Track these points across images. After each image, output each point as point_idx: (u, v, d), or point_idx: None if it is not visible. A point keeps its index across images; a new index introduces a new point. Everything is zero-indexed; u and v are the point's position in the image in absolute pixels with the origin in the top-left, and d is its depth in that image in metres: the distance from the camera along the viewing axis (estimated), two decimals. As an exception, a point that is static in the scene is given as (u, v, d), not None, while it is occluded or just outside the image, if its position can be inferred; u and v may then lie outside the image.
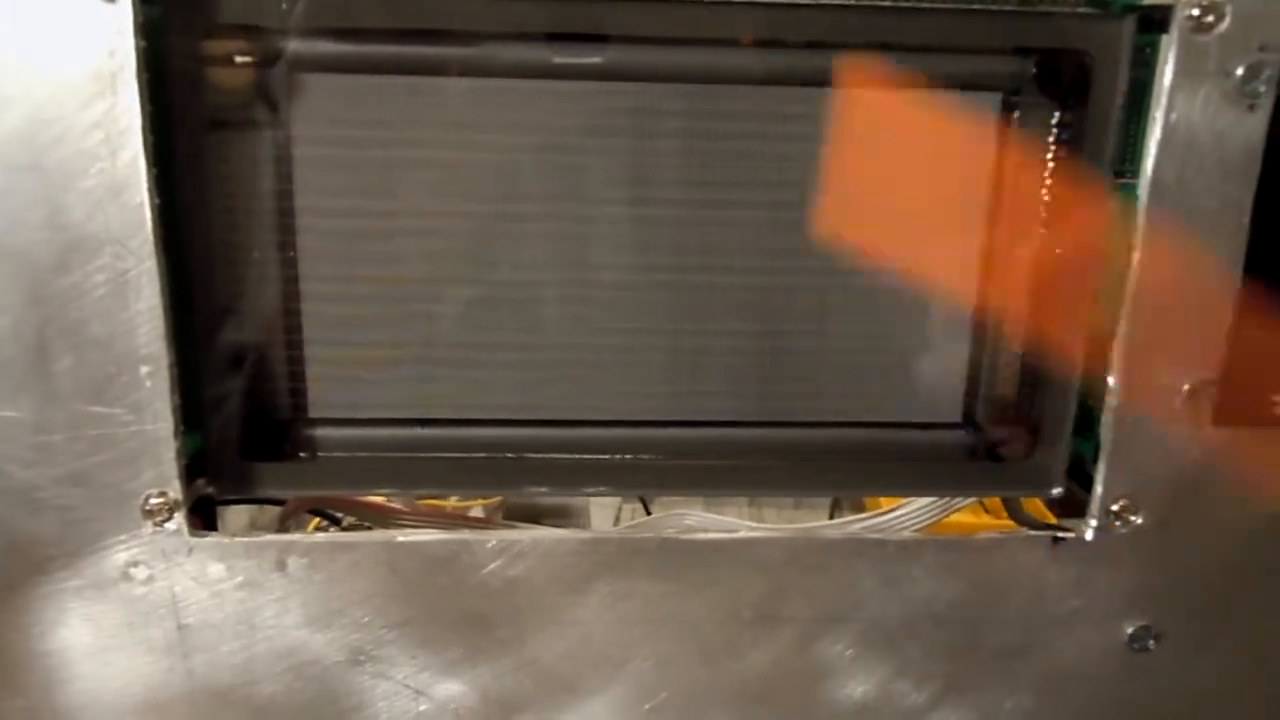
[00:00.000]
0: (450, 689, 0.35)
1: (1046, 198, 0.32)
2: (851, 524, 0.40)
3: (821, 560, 0.34)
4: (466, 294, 0.34)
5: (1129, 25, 0.30)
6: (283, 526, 0.39)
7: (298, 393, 0.34)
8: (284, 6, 0.30)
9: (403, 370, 0.34)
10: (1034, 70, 0.31)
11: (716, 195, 0.33)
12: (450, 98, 0.32)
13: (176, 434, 0.31)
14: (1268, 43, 0.29)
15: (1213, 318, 0.32)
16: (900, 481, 0.36)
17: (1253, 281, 0.32)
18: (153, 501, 0.32)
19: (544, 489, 0.35)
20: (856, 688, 0.36)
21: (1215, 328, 0.32)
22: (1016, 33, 0.31)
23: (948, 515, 0.39)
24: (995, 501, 0.42)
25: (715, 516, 0.42)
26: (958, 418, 0.35)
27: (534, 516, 0.59)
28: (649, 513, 0.58)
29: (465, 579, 0.34)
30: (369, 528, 0.39)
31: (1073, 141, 0.32)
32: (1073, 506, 0.35)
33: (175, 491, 0.32)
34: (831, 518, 0.59)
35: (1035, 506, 0.38)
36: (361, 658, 0.34)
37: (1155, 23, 0.30)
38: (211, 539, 0.33)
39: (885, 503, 0.40)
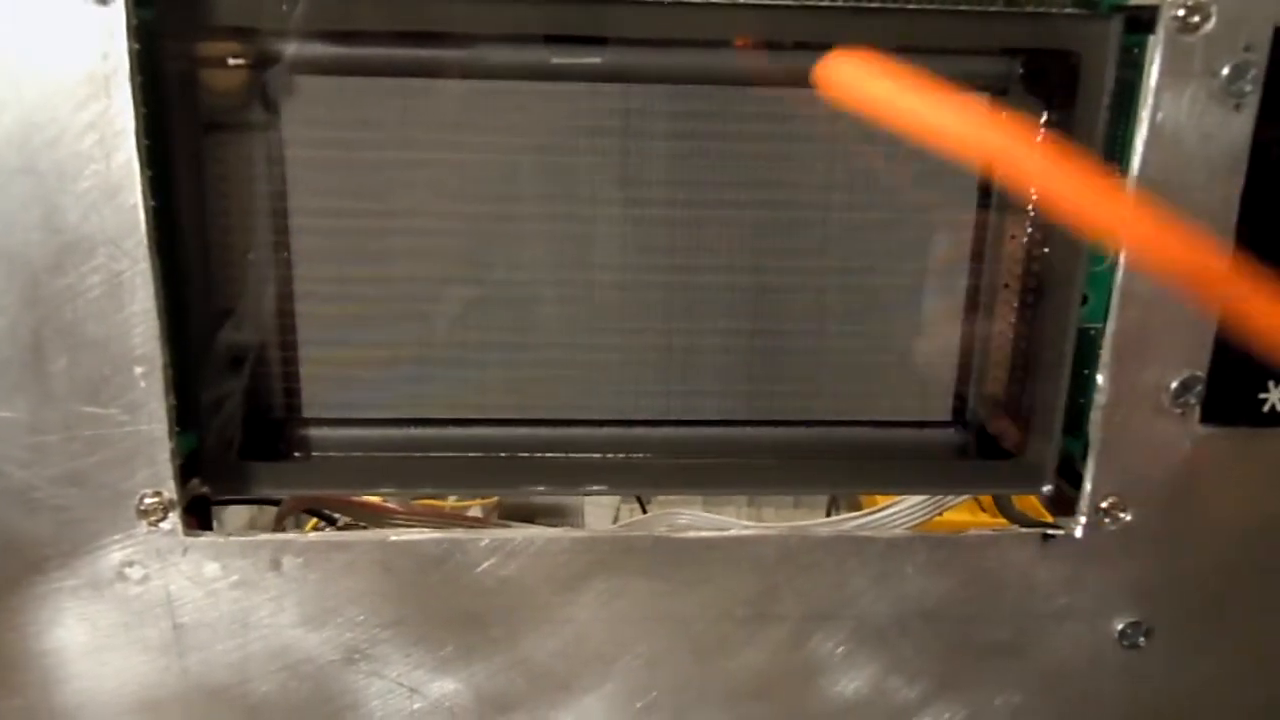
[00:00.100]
0: (444, 687, 0.35)
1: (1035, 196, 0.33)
2: (843, 522, 0.40)
3: (814, 558, 0.35)
4: (461, 294, 0.34)
5: (1116, 26, 0.31)
6: (279, 526, 0.39)
7: (292, 393, 0.34)
8: (278, 9, 0.30)
9: (397, 370, 0.34)
10: (1022, 70, 0.32)
11: (711, 195, 0.33)
12: (444, 99, 0.32)
13: (171, 434, 0.31)
14: (1253, 43, 0.30)
15: (1201, 316, 0.32)
16: (892, 479, 0.37)
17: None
18: (147, 501, 0.32)
19: (539, 488, 0.35)
20: (849, 685, 0.36)
21: (1203, 326, 0.32)
22: (1004, 33, 0.31)
23: (940, 513, 0.39)
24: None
25: (709, 515, 0.42)
26: (948, 416, 0.36)
27: (529, 516, 0.59)
28: (645, 512, 0.58)
29: (459, 578, 0.34)
30: (366, 527, 0.40)
31: (1060, 141, 0.32)
32: (1063, 504, 0.35)
33: (170, 491, 0.32)
34: (828, 516, 0.59)
35: (1030, 504, 0.38)
36: (356, 656, 0.35)
37: (1142, 23, 0.30)
38: (206, 538, 0.33)
39: (880, 501, 0.40)
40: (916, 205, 0.33)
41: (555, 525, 0.38)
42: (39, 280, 0.30)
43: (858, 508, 0.44)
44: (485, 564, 0.34)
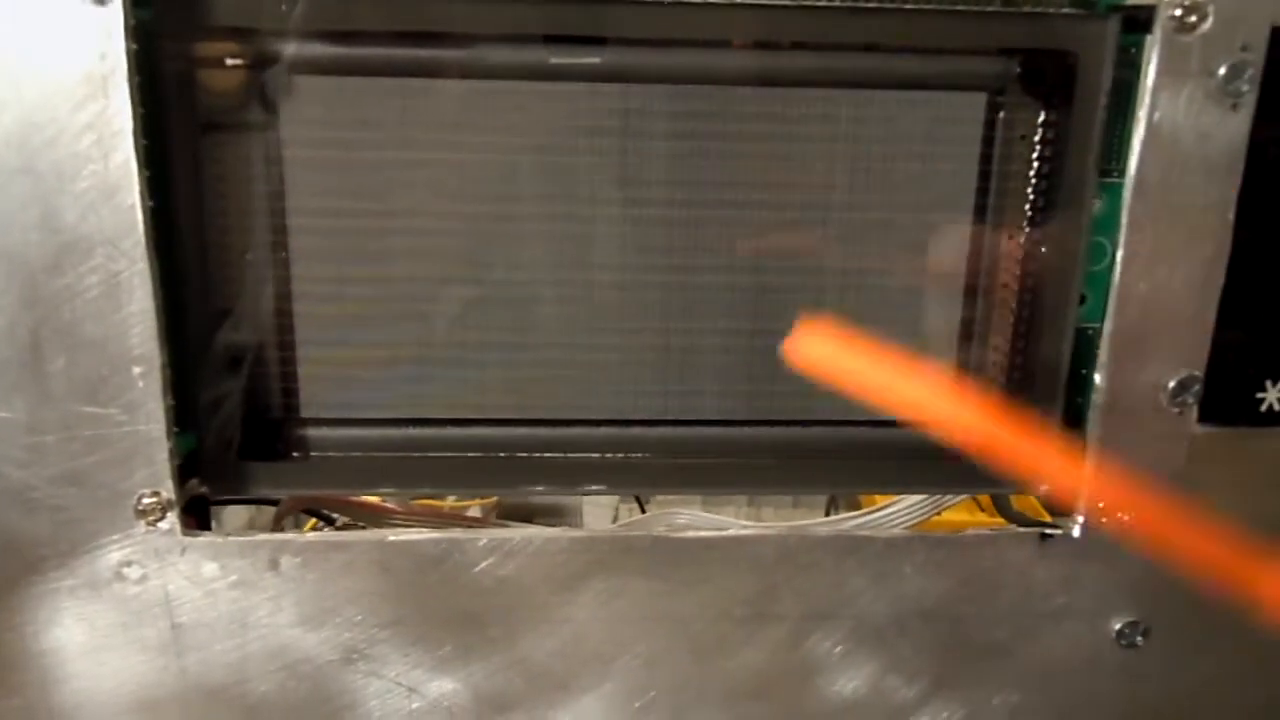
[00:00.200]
0: (442, 687, 0.35)
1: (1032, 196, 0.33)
2: (842, 522, 0.40)
3: (812, 558, 0.35)
4: (459, 294, 0.34)
5: (1113, 25, 0.31)
6: (277, 526, 0.39)
7: (291, 393, 0.34)
8: (276, 9, 0.30)
9: (396, 370, 0.34)
10: (1019, 70, 0.32)
11: (710, 195, 0.33)
12: (443, 99, 0.32)
13: (169, 434, 0.31)
14: (1250, 42, 0.30)
15: (1198, 315, 0.32)
16: (892, 479, 0.37)
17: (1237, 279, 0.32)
18: (146, 501, 0.32)
19: (538, 488, 0.35)
20: (847, 684, 0.36)
21: (1201, 326, 0.32)
22: (1001, 33, 0.31)
23: (938, 513, 0.39)
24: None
25: (708, 515, 0.42)
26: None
27: (527, 516, 0.59)
28: (644, 512, 0.58)
29: (457, 577, 0.34)
30: (364, 527, 0.39)
31: (1058, 141, 0.32)
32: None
33: (168, 491, 0.32)
34: (827, 516, 0.59)
35: (1029, 504, 0.38)
36: (354, 656, 0.35)
37: (1139, 23, 0.30)
38: (205, 538, 0.33)
39: (879, 500, 0.40)
40: (915, 205, 0.33)
41: (554, 525, 0.38)
42: (37, 280, 0.30)
43: (856, 507, 0.44)
44: (483, 564, 0.34)
